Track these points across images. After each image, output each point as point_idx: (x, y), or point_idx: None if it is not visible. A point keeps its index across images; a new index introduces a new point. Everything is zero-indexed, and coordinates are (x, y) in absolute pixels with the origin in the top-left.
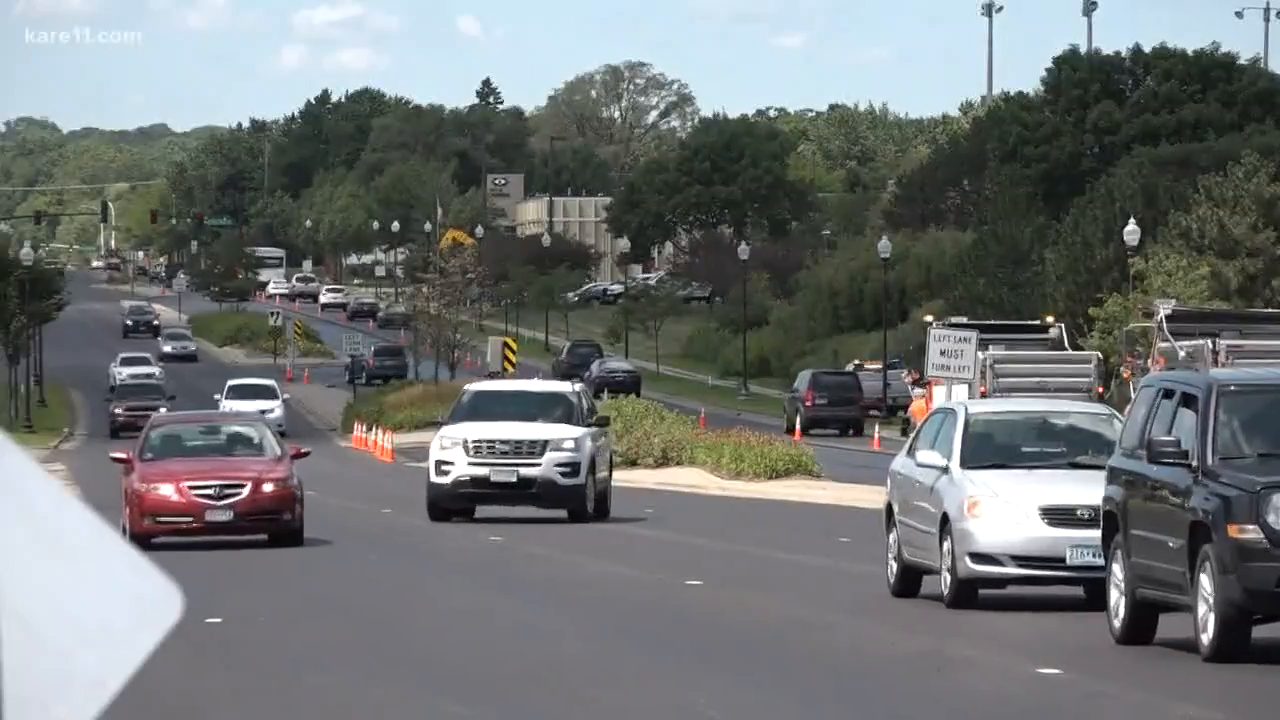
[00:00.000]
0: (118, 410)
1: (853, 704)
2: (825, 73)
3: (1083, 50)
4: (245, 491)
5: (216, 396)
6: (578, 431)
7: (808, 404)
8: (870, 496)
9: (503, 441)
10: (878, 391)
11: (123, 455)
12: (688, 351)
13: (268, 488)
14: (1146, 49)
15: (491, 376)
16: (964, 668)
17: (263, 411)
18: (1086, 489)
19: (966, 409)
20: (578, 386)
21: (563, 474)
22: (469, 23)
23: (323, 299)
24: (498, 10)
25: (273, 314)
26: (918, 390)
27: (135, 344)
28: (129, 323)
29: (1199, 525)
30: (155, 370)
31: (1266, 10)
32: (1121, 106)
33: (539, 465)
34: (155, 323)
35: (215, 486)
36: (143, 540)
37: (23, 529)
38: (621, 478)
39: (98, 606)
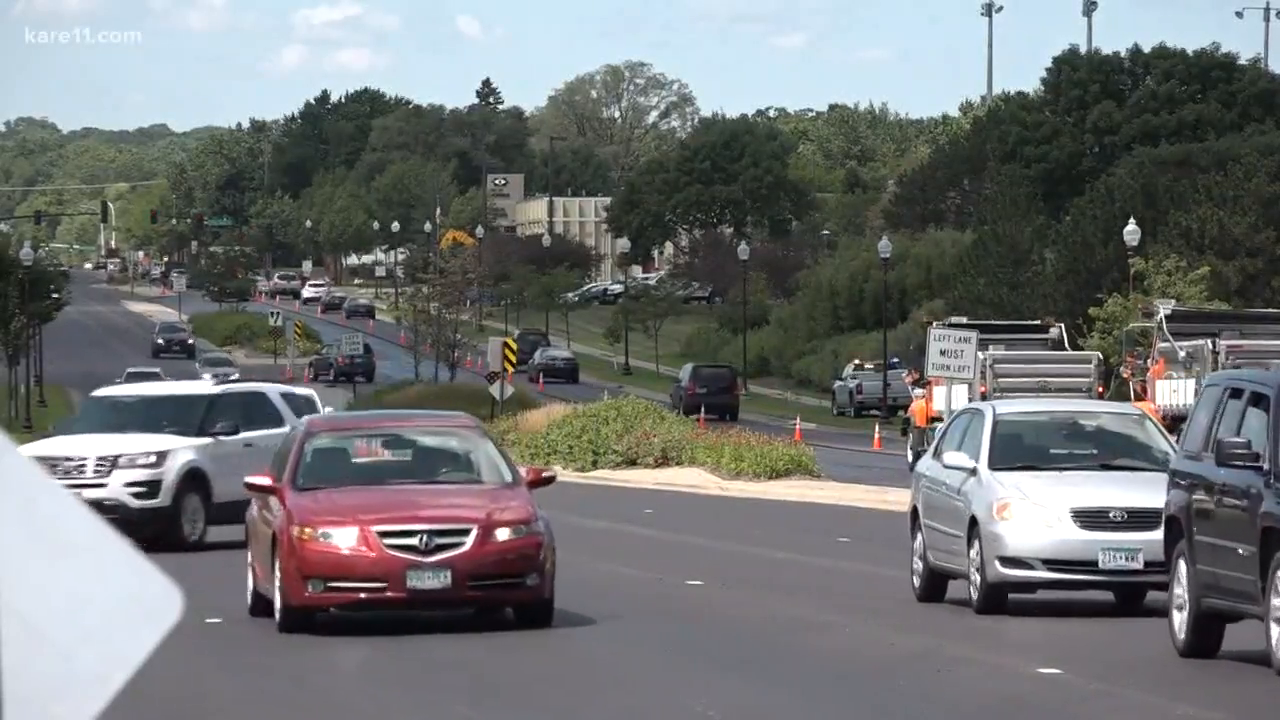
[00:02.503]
0: None
1: (853, 704)
2: (825, 73)
3: (1083, 50)
4: (468, 541)
5: None
6: (175, 443)
7: (690, 393)
8: (870, 497)
9: (66, 459)
10: (878, 391)
11: (264, 480)
12: (688, 351)
13: (502, 534)
14: (1146, 49)
15: (491, 377)
16: (964, 667)
17: None
18: (1119, 491)
19: (994, 409)
20: (222, 388)
21: (135, 495)
22: (469, 23)
23: (305, 293)
24: (498, 10)
25: (273, 314)
26: (918, 390)
27: (166, 366)
28: (160, 341)
29: (1271, 531)
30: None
31: (1266, 10)
32: (1121, 106)
33: (105, 486)
34: (190, 341)
35: (422, 533)
36: (302, 616)
37: (23, 529)
38: (621, 477)
39: (98, 606)
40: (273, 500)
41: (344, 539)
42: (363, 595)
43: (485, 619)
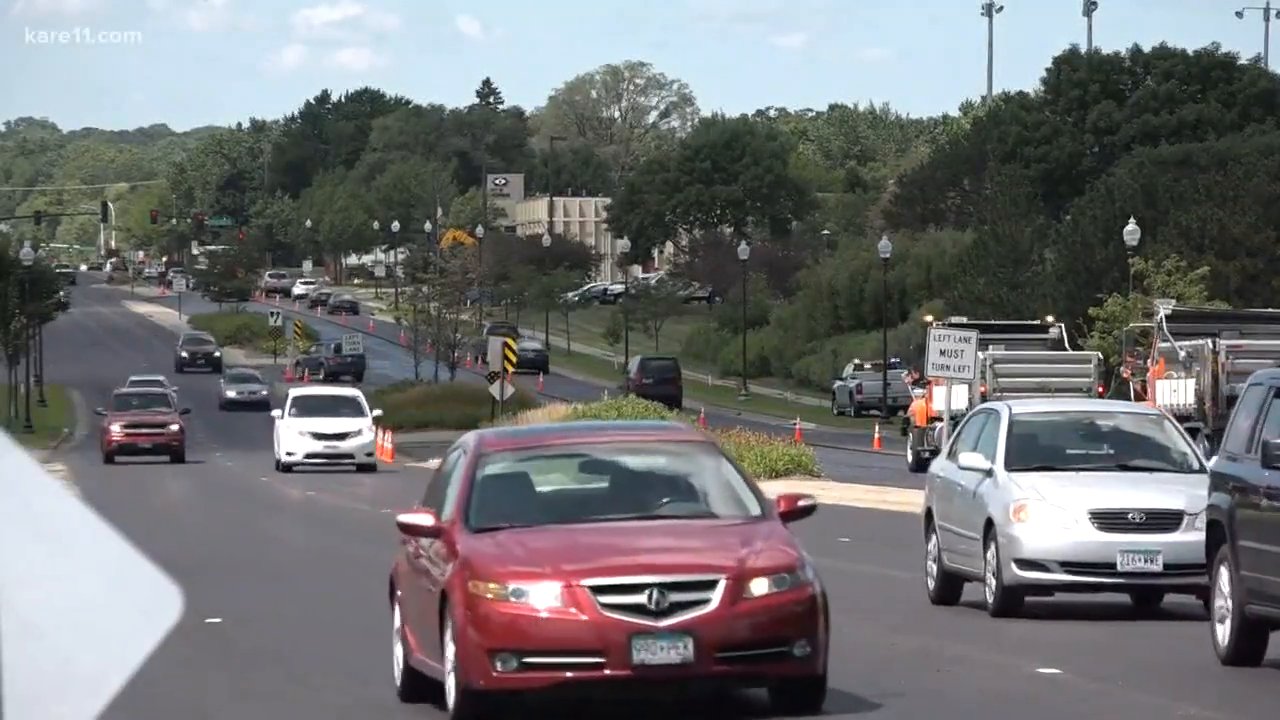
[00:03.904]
0: (114, 428)
1: (853, 704)
2: (825, 73)
3: (1083, 50)
4: (715, 597)
5: (276, 413)
6: None
7: (637, 382)
8: (870, 496)
9: None
10: (878, 391)
11: (424, 518)
12: (688, 351)
13: (759, 587)
14: (1146, 49)
15: (492, 377)
16: (965, 667)
17: (344, 434)
18: (1137, 492)
19: (1010, 409)
20: None
21: None
22: (469, 23)
23: (295, 291)
24: (498, 10)
25: (273, 314)
26: (918, 390)
27: (191, 382)
28: (184, 354)
29: None
30: (170, 393)
31: (1266, 10)
32: (1121, 106)
33: None
34: (217, 355)
35: (651, 588)
36: (488, 704)
37: (23, 529)
38: None
39: (98, 606)
40: (432, 544)
41: (543, 597)
42: (570, 675)
43: (730, 702)
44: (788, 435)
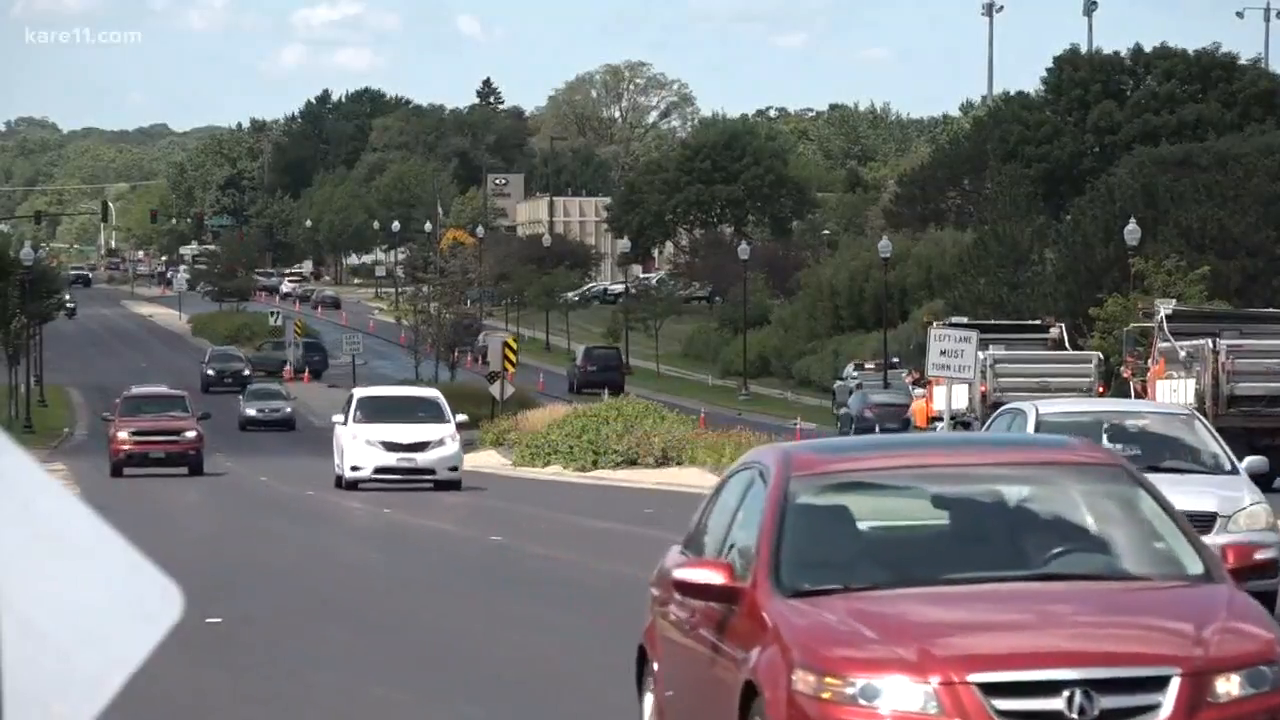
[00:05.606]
0: (121, 435)
1: None
2: (825, 73)
3: (1083, 50)
4: (1166, 702)
5: (337, 419)
6: None
7: (583, 370)
8: None
9: None
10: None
11: (713, 575)
12: (688, 351)
13: (1227, 686)
14: (1147, 49)
15: (492, 377)
16: None
17: (424, 444)
18: (1168, 494)
19: (1037, 409)
20: None
21: None
22: (469, 23)
23: (283, 289)
24: (498, 10)
25: (273, 314)
26: (918, 390)
27: (217, 403)
28: (210, 373)
29: None
30: (184, 396)
31: (1266, 10)
32: (1121, 106)
33: None
34: (246, 373)
35: (1071, 685)
36: None
37: (23, 529)
38: (621, 477)
39: (97, 606)
40: (721, 610)
41: (909, 698)
42: None
43: None
44: (788, 435)
